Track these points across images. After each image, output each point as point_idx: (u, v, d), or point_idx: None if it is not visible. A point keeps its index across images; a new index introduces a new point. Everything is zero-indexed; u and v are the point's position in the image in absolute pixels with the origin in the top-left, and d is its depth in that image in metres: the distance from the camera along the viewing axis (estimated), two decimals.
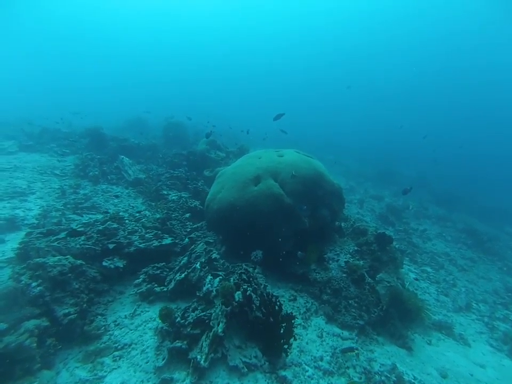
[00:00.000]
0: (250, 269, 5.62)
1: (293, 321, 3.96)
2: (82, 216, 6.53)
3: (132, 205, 7.74)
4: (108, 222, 5.10)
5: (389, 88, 70.98)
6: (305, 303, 5.57)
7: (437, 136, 52.25)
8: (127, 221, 6.54)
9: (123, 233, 5.03)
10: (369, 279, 6.19)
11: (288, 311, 5.25)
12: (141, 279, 4.69)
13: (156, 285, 4.72)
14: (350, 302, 5.59)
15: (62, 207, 6.60)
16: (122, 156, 9.90)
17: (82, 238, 4.51)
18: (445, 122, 64.32)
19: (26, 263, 3.68)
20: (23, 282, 3.35)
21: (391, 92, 70.99)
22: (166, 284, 4.85)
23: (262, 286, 4.91)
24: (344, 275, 5.99)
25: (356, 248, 6.81)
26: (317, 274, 6.03)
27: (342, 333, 5.09)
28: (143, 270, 4.90)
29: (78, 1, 67.98)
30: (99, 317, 3.89)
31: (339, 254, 6.53)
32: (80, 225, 5.35)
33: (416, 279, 8.44)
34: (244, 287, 4.16)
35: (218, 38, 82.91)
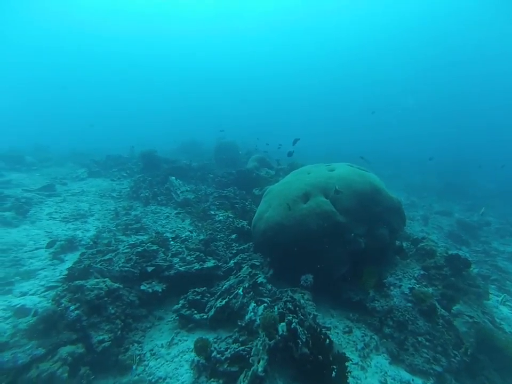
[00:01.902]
0: (299, 296, 5.12)
1: (346, 363, 3.32)
2: (131, 237, 6.70)
3: (179, 225, 7.79)
4: (148, 244, 5.07)
5: (456, 92, 65.32)
6: (362, 336, 4.80)
7: None
8: (171, 242, 6.54)
9: (163, 255, 4.93)
10: (444, 311, 5.19)
11: (343, 345, 4.68)
12: (180, 305, 4.48)
13: (195, 312, 4.47)
14: (419, 339, 4.67)
15: (114, 228, 6.88)
16: (172, 177, 10.24)
17: (122, 260, 4.49)
18: None
19: (67, 285, 3.71)
20: (62, 305, 3.35)
21: (458, 96, 65.15)
22: (206, 310, 4.56)
23: (311, 317, 4.35)
24: (409, 304, 5.10)
25: (422, 272, 5.83)
26: (376, 302, 5.24)
27: (413, 380, 4.20)
28: (183, 295, 4.68)
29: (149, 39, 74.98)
30: (135, 344, 3.74)
31: (401, 278, 5.64)
32: (127, 246, 5.43)
33: None
34: (288, 318, 3.66)
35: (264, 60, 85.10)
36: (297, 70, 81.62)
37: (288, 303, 3.98)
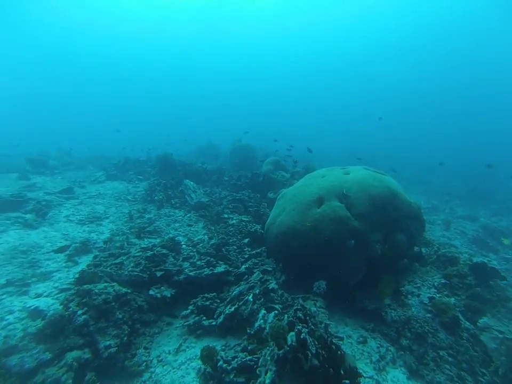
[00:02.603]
0: (311, 303, 4.95)
1: (359, 379, 3.14)
2: (143, 240, 6.74)
3: (192, 229, 7.79)
4: (158, 248, 5.06)
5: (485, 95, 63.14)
6: (378, 347, 4.56)
7: None
8: (184, 246, 6.53)
9: (172, 260, 4.90)
10: (468, 323, 4.86)
11: (357, 357, 4.46)
12: (189, 311, 4.42)
13: (204, 318, 4.40)
14: (440, 353, 4.38)
15: (128, 231, 6.95)
16: (187, 180, 10.29)
17: (132, 264, 4.49)
18: None
19: (76, 289, 3.74)
20: (70, 309, 3.37)
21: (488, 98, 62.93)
22: (215, 317, 4.48)
23: (323, 325, 4.17)
24: (428, 315, 4.81)
25: (442, 281, 5.50)
26: (393, 311, 4.98)
27: None
28: (192, 300, 4.63)
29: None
30: (142, 350, 3.68)
31: (420, 287, 5.34)
32: (139, 250, 5.45)
33: None
34: (298, 327, 3.51)
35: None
36: (313, 71, 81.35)
37: (298, 311, 3.82)
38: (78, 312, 3.32)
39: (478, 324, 4.97)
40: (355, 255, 5.15)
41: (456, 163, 31.00)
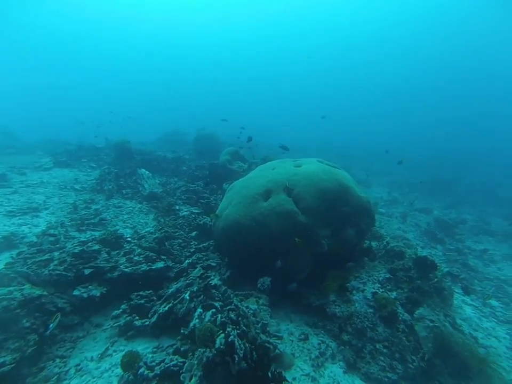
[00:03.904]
0: (253, 300, 4.82)
1: (283, 383, 3.02)
2: (86, 233, 6.25)
3: (141, 221, 7.36)
4: (89, 243, 4.64)
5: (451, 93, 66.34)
6: (319, 344, 4.53)
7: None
8: (129, 239, 6.13)
9: (106, 255, 4.51)
10: (406, 315, 4.98)
11: (296, 354, 4.40)
12: (120, 310, 4.10)
13: (137, 318, 4.10)
14: (377, 346, 4.44)
15: (68, 224, 6.40)
16: (142, 169, 9.74)
17: (55, 262, 4.07)
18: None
19: None
20: None
21: (454, 97, 66.17)
22: (150, 316, 4.20)
23: (260, 325, 4.05)
24: (370, 310, 4.85)
25: (387, 276, 5.59)
26: (337, 307, 4.98)
27: None
28: (127, 298, 4.31)
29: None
30: (57, 360, 3.30)
31: (366, 282, 5.38)
32: (76, 244, 4.99)
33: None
34: (228, 329, 3.33)
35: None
36: (288, 61, 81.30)
37: (231, 312, 3.65)
38: None
39: (414, 314, 5.13)
40: (301, 251, 5.04)
41: (423, 156, 32.56)
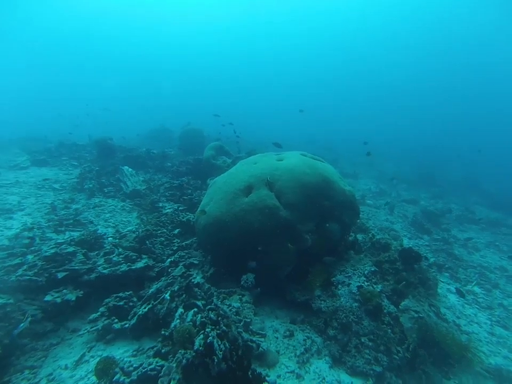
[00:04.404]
0: (236, 298, 4.72)
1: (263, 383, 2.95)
2: (64, 234, 6.04)
3: (124, 219, 7.16)
4: (63, 245, 4.45)
5: (433, 89, 67.19)
6: (304, 340, 4.48)
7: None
8: (110, 239, 5.95)
9: (82, 257, 4.34)
10: (392, 307, 4.99)
11: (281, 352, 4.34)
12: (98, 313, 3.95)
13: (116, 320, 3.96)
14: (362, 339, 4.42)
15: (45, 225, 6.16)
16: (125, 166, 9.47)
17: (25, 267, 3.88)
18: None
19: None
20: None
21: (436, 93, 67.02)
22: (129, 318, 4.07)
23: (242, 324, 3.97)
24: (355, 304, 4.83)
25: (373, 269, 5.57)
26: (322, 302, 4.94)
27: (352, 383, 3.97)
28: (105, 301, 4.16)
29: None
30: (26, 372, 3.12)
31: (351, 276, 5.35)
32: (52, 246, 4.78)
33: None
34: (207, 330, 3.24)
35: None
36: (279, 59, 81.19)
37: (211, 311, 3.55)
38: None
39: (400, 306, 5.14)
40: (284, 247, 4.97)
41: (414, 149, 33.04)
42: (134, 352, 3.77)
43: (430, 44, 59.96)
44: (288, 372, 3.90)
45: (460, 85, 63.07)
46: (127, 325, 3.96)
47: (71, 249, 4.38)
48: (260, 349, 3.85)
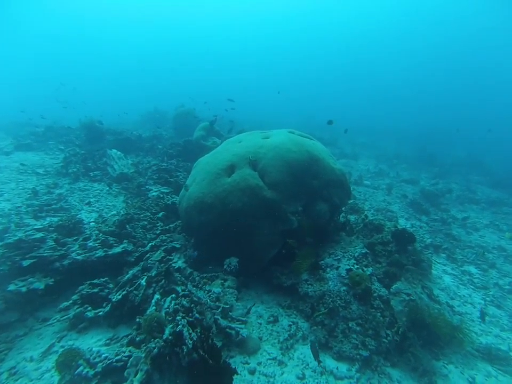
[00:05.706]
0: (218, 283, 4.52)
1: (233, 376, 2.76)
2: (44, 219, 5.82)
3: (109, 204, 6.92)
4: (30, 231, 4.22)
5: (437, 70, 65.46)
6: (289, 325, 4.30)
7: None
8: (92, 224, 5.73)
9: (52, 243, 4.10)
10: (383, 290, 4.79)
11: (264, 338, 4.17)
12: (70, 302, 3.76)
13: (89, 308, 3.77)
14: (350, 324, 4.24)
15: (24, 210, 5.92)
16: (113, 149, 9.14)
17: None
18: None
19: None
20: None
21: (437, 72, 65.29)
22: (104, 305, 3.88)
23: (219, 310, 3.76)
24: (344, 288, 4.62)
25: (364, 251, 5.33)
26: (309, 286, 4.73)
27: (337, 368, 3.80)
28: (79, 288, 3.96)
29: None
30: None
31: (340, 259, 5.12)
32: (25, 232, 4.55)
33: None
34: (177, 318, 3.03)
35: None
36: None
37: (183, 298, 3.34)
38: None
39: (391, 289, 4.95)
40: (269, 229, 4.71)
41: (415, 129, 32.23)
42: (108, 341, 3.59)
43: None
44: (269, 359, 3.74)
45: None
46: (101, 313, 3.78)
47: (39, 235, 4.14)
48: (240, 336, 3.66)
